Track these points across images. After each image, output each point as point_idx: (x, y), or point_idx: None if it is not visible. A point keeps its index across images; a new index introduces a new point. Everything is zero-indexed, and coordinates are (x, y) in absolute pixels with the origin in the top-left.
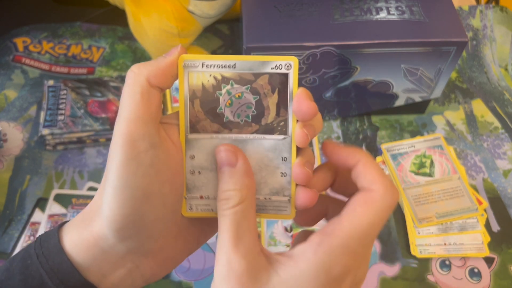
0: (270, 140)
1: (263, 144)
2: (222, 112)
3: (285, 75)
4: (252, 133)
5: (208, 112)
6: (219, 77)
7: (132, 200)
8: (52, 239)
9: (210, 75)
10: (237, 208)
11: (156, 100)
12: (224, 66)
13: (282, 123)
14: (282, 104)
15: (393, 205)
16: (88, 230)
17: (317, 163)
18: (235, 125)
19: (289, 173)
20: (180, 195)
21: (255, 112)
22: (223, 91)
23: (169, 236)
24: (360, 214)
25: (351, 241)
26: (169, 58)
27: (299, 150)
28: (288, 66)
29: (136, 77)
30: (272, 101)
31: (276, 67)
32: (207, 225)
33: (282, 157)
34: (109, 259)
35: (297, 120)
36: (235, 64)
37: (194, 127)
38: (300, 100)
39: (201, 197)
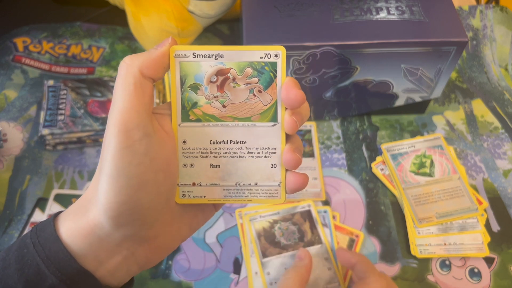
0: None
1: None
2: None
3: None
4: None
5: None
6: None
7: (127, 188)
8: (48, 228)
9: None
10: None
11: (149, 90)
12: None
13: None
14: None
15: (385, 285)
16: (84, 218)
17: (318, 164)
18: None
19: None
20: (174, 183)
21: None
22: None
23: (163, 223)
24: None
25: None
26: (160, 49)
27: (288, 137)
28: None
29: (128, 68)
30: None
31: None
32: (200, 212)
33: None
34: (105, 246)
35: (286, 108)
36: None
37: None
38: (288, 88)
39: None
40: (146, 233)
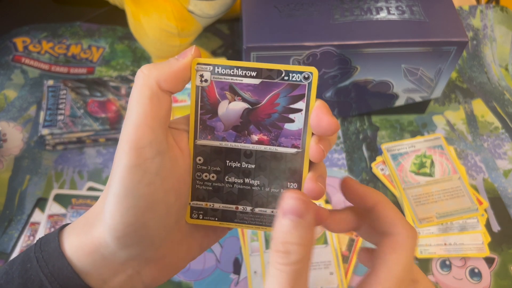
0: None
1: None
2: None
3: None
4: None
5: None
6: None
7: (135, 209)
8: (52, 242)
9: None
10: (297, 266)
11: (166, 104)
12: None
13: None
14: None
15: (416, 244)
16: (89, 235)
17: None
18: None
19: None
20: (185, 202)
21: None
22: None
23: (172, 243)
24: (392, 263)
25: None
26: (182, 61)
27: (311, 164)
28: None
29: (146, 79)
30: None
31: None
32: (211, 231)
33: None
34: (109, 265)
35: (312, 134)
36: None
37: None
38: (320, 114)
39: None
40: (153, 253)
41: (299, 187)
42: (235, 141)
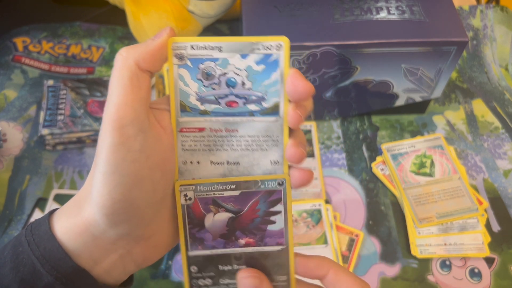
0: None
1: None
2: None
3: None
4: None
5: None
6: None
7: (121, 186)
8: (42, 226)
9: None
10: None
11: (146, 84)
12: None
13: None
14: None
15: None
16: (79, 216)
17: (318, 164)
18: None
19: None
20: (171, 180)
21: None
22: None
23: (160, 221)
24: None
25: None
26: (158, 40)
27: (291, 131)
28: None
29: (124, 60)
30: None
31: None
32: None
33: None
34: (100, 245)
35: (289, 101)
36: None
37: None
38: (295, 80)
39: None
40: (142, 231)
41: (288, 279)
42: (224, 247)
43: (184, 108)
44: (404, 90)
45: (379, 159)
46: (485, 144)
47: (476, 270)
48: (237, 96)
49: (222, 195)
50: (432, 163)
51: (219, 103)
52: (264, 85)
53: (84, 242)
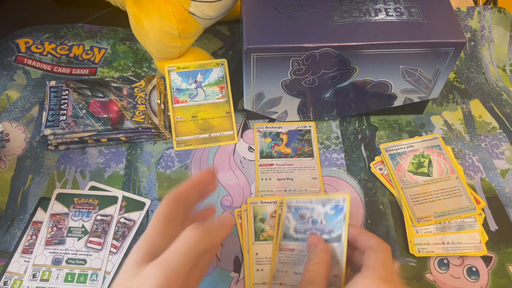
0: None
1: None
2: None
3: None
4: None
5: None
6: None
7: None
8: None
9: None
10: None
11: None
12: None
13: None
14: None
15: (390, 250)
16: None
17: (317, 163)
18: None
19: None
20: None
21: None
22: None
23: None
24: (373, 259)
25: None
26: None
27: None
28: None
29: (197, 246)
30: None
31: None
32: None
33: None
34: None
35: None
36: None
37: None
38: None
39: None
40: None
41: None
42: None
43: (285, 235)
44: (402, 90)
45: (377, 159)
46: (482, 144)
47: (473, 269)
48: (317, 229)
49: None
50: (430, 163)
51: (305, 234)
52: (333, 222)
53: None
